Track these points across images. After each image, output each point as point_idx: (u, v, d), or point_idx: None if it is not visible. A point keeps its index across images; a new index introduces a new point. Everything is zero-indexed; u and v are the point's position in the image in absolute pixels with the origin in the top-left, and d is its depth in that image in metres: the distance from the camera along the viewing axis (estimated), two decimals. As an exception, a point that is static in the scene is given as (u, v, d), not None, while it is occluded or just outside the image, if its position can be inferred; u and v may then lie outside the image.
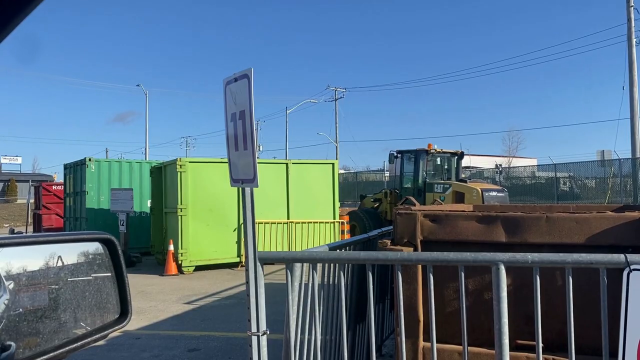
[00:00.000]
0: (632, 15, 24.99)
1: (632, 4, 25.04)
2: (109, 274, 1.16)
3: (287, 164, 13.65)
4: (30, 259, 1.06)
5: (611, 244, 2.91)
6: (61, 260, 1.09)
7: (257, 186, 2.74)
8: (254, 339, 2.81)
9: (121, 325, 1.15)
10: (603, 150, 30.67)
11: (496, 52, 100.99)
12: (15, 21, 0.64)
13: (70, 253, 1.11)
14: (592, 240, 2.98)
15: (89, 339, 1.07)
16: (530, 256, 2.50)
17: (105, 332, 1.12)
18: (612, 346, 2.39)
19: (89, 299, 1.11)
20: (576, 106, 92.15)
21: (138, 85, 50.97)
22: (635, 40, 25.00)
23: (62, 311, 1.06)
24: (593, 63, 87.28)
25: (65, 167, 17.18)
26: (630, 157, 25.91)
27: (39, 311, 1.04)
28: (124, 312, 1.17)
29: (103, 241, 1.17)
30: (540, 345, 2.53)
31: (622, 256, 2.34)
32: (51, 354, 1.00)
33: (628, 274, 2.30)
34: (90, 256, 1.15)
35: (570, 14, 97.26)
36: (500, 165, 37.25)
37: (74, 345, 1.03)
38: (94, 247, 1.16)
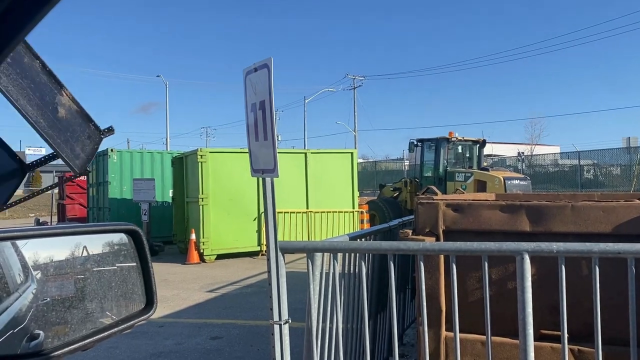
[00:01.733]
0: (660, -2, 24.25)
1: (660, -14, 24.28)
2: (134, 265, 1.17)
3: (306, 153, 13.66)
4: (56, 249, 1.07)
5: (639, 233, 2.85)
6: (87, 250, 1.10)
7: (277, 176, 2.74)
8: (276, 327, 2.82)
9: (147, 316, 1.16)
10: (629, 137, 30.05)
11: (518, 38, 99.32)
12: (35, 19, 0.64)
13: (96, 244, 1.12)
14: (620, 229, 2.91)
15: (116, 329, 1.08)
16: (556, 246, 2.45)
17: (132, 322, 1.13)
18: (639, 336, 2.34)
19: (115, 289, 1.13)
20: (601, 92, 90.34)
21: (158, 76, 51.36)
22: (663, 23, 24.29)
23: (89, 301, 1.07)
24: (619, 48, 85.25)
25: (88, 157, 17.39)
26: (657, 143, 25.30)
27: (67, 301, 1.06)
28: (150, 302, 1.17)
29: (128, 232, 1.18)
30: (566, 335, 2.50)
31: (651, 246, 2.29)
32: (79, 344, 1.01)
33: (657, 264, 2.25)
34: (116, 247, 1.16)
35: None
36: (523, 153, 36.73)
37: (101, 335, 1.05)
38: (119, 238, 1.17)
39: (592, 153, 31.73)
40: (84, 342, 1.01)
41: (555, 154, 38.11)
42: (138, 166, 15.99)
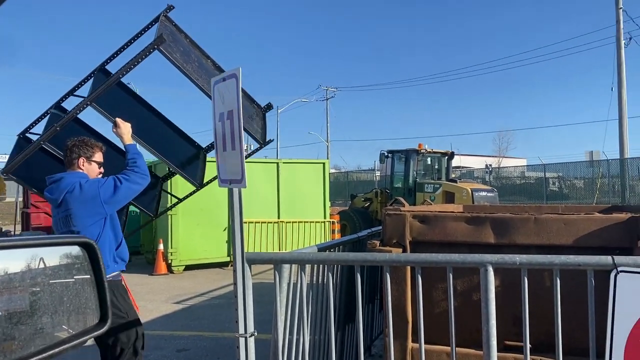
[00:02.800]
0: (621, 17, 25.22)
1: (621, 6, 25.26)
2: (88, 279, 1.14)
3: (277, 163, 13.61)
4: (8, 262, 1.04)
5: (599, 246, 2.92)
6: (40, 263, 1.06)
7: (245, 187, 2.72)
8: (242, 340, 2.79)
9: (100, 331, 1.13)
10: (592, 151, 30.92)
11: (487, 53, 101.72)
12: None
13: (50, 257, 1.09)
14: (580, 241, 2.98)
15: (67, 345, 1.05)
16: (519, 257, 2.50)
17: (84, 337, 1.09)
18: (599, 347, 2.39)
19: (68, 303, 1.09)
20: (566, 107, 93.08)
21: (128, 84, 50.65)
22: (624, 42, 25.23)
23: (40, 316, 1.03)
24: (583, 64, 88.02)
25: (54, 165, 16.97)
26: (619, 157, 26.17)
27: (16, 315, 1.02)
28: (104, 317, 1.14)
29: (83, 245, 1.15)
30: (528, 346, 2.53)
31: (609, 258, 2.35)
32: None
33: (615, 276, 2.30)
34: (70, 260, 1.13)
35: (561, 14, 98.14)
36: (490, 165, 37.46)
37: (51, 352, 1.01)
38: (74, 251, 1.14)
39: (557, 166, 32.57)
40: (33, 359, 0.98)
41: (521, 166, 38.97)
42: (106, 174, 15.67)
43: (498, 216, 3.21)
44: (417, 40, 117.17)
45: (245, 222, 14.45)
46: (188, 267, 12.17)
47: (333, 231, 13.91)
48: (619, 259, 2.33)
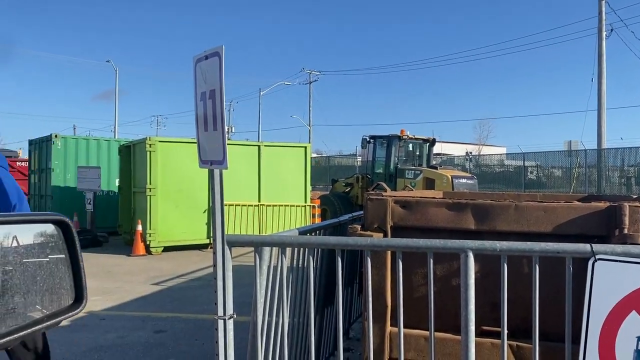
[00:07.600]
0: (604, 9, 25.44)
1: (604, -2, 25.45)
2: (63, 257, 1.10)
3: (259, 146, 13.53)
4: (-21, 239, 0.99)
5: (577, 234, 2.95)
6: (11, 241, 1.02)
7: (226, 168, 2.68)
8: (220, 322, 2.77)
9: (75, 312, 1.09)
10: (570, 141, 31.37)
11: (470, 42, 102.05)
12: None
13: (21, 235, 1.04)
14: (559, 229, 3.01)
15: (40, 326, 1.01)
16: (499, 244, 2.51)
17: (58, 318, 1.06)
18: (574, 333, 2.43)
19: (41, 283, 1.05)
20: (546, 97, 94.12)
21: (108, 62, 49.90)
22: (605, 33, 25.48)
23: (11, 296, 0.99)
24: (564, 55, 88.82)
25: (31, 142, 16.65)
26: (596, 147, 26.59)
27: None
28: (79, 297, 1.10)
29: (56, 223, 1.10)
30: (505, 331, 2.56)
31: (587, 246, 2.37)
32: None
33: (593, 264, 2.33)
34: (44, 239, 1.08)
35: (544, 5, 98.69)
36: (471, 152, 37.80)
37: (24, 332, 0.97)
38: (48, 229, 1.09)
39: (536, 155, 33.01)
40: (3, 340, 0.94)
41: (501, 154, 39.39)
42: (83, 153, 15.43)
43: (479, 203, 3.22)
44: (402, 27, 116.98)
45: (226, 205, 14.45)
46: (167, 249, 12.10)
47: (313, 215, 13.93)
48: (597, 247, 2.36)
